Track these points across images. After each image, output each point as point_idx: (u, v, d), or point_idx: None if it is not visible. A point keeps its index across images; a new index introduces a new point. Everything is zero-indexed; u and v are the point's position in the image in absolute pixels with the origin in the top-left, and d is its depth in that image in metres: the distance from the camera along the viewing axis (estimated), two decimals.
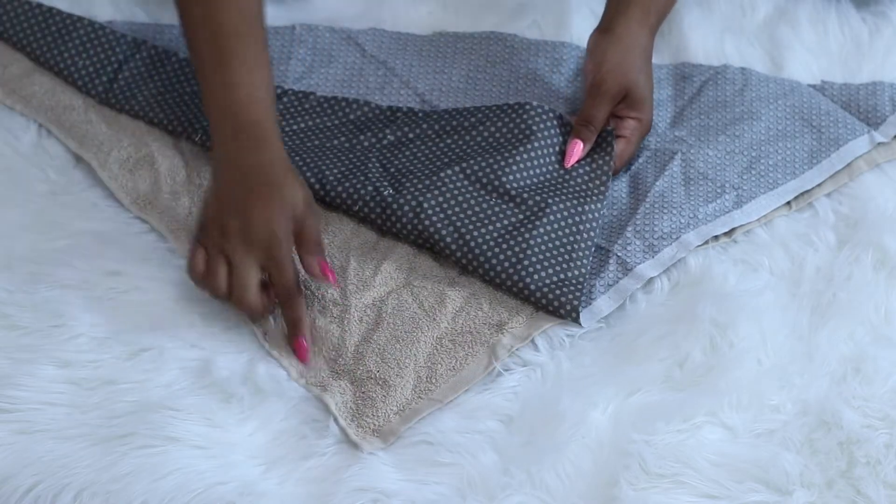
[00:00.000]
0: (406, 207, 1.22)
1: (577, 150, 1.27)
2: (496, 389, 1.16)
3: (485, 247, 1.20)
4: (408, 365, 1.16)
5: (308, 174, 1.26)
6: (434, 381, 1.16)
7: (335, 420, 1.13)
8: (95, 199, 1.30)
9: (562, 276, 1.19)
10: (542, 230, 1.21)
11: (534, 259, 1.19)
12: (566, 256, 1.20)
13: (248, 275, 1.15)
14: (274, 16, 1.46)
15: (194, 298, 1.22)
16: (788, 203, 1.29)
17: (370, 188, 1.24)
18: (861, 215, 1.27)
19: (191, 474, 1.09)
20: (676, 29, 1.44)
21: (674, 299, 1.22)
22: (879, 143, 1.33)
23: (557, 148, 1.28)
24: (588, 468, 1.09)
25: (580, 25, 1.44)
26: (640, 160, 1.30)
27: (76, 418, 1.13)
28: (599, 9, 1.44)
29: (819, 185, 1.30)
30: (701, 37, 1.42)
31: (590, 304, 1.20)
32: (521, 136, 1.28)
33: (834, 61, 1.41)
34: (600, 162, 1.27)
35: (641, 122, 1.29)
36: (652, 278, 1.23)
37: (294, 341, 1.17)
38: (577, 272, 1.19)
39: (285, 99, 1.35)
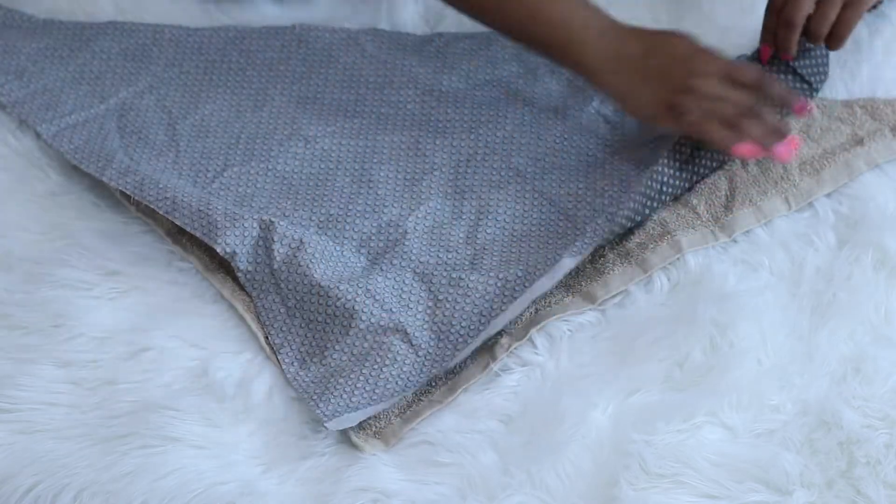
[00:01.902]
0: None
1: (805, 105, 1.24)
2: (496, 389, 1.16)
3: None
4: None
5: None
6: (433, 382, 1.16)
7: None
8: (95, 199, 1.30)
9: None
10: None
11: None
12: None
13: (730, 91, 1.19)
14: (274, 16, 1.47)
15: (194, 298, 1.22)
16: (788, 203, 1.29)
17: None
18: (861, 215, 1.27)
19: (191, 474, 1.09)
20: (676, 29, 1.44)
21: (674, 299, 1.22)
22: (878, 142, 1.32)
23: None
24: (588, 468, 1.09)
25: None
26: (651, 146, 1.30)
27: (76, 418, 1.13)
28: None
29: (819, 184, 1.30)
30: (701, 37, 1.42)
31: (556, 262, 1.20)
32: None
33: (834, 61, 1.41)
34: None
35: None
36: (651, 276, 1.22)
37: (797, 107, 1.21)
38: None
39: None
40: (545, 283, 1.18)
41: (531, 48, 1.29)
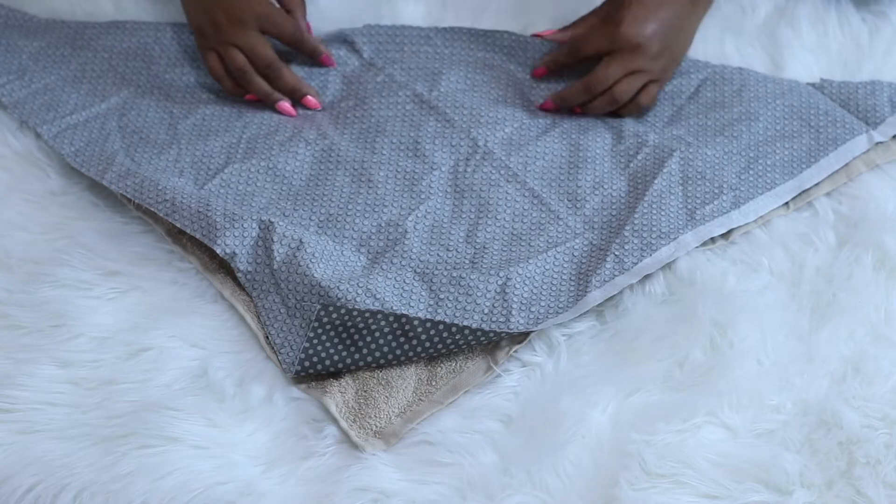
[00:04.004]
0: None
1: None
2: (496, 389, 1.16)
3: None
4: (409, 366, 1.16)
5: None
6: (434, 383, 1.16)
7: (337, 423, 1.13)
8: (95, 199, 1.30)
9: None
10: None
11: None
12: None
13: (264, 50, 1.32)
14: None
15: (194, 298, 1.22)
16: (786, 203, 1.29)
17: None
18: (861, 215, 1.27)
19: (191, 474, 1.09)
20: None
21: (673, 299, 1.22)
22: (878, 143, 1.32)
23: None
24: (588, 468, 1.09)
25: None
26: (639, 157, 1.30)
27: (76, 418, 1.13)
28: None
29: (817, 184, 1.30)
30: (701, 37, 1.42)
31: (583, 296, 1.20)
32: None
33: (834, 61, 1.41)
34: None
35: (608, 20, 1.30)
36: (650, 277, 1.23)
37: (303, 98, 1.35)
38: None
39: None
40: (569, 315, 1.20)
41: None
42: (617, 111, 1.34)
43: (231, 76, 1.34)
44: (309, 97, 1.35)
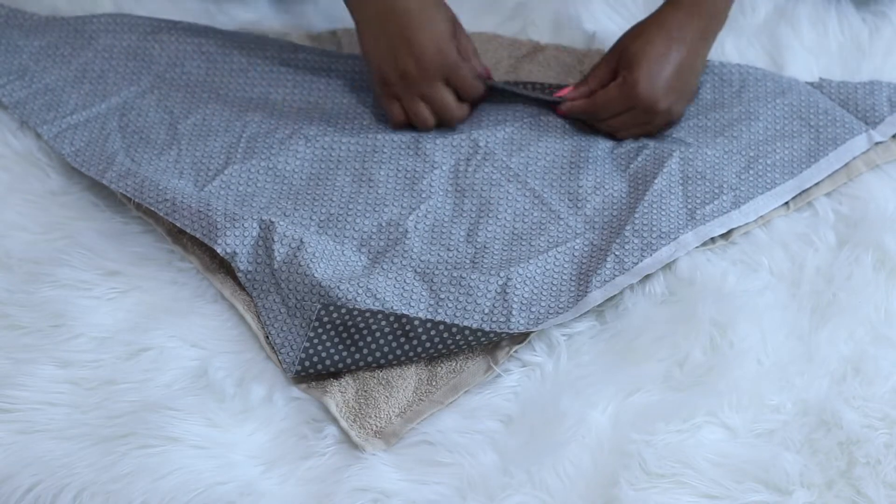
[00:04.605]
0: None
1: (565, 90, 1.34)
2: (496, 389, 1.16)
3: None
4: (409, 366, 1.17)
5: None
6: (434, 382, 1.16)
7: (337, 423, 1.13)
8: (95, 199, 1.30)
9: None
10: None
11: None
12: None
13: (446, 99, 1.30)
14: (274, 17, 1.47)
15: (194, 298, 1.22)
16: (787, 204, 1.29)
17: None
18: (861, 215, 1.27)
19: (191, 474, 1.09)
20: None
21: (673, 299, 1.22)
22: (878, 143, 1.32)
23: None
24: (588, 468, 1.09)
25: (578, 26, 1.44)
26: (640, 158, 1.30)
27: (76, 418, 1.13)
28: (596, 9, 1.44)
29: (817, 184, 1.30)
30: None
31: (584, 296, 1.20)
32: None
33: (834, 61, 1.41)
34: None
35: (624, 84, 1.28)
36: (650, 277, 1.23)
37: None
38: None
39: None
40: (569, 315, 1.20)
41: None
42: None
43: (411, 124, 1.32)
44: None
